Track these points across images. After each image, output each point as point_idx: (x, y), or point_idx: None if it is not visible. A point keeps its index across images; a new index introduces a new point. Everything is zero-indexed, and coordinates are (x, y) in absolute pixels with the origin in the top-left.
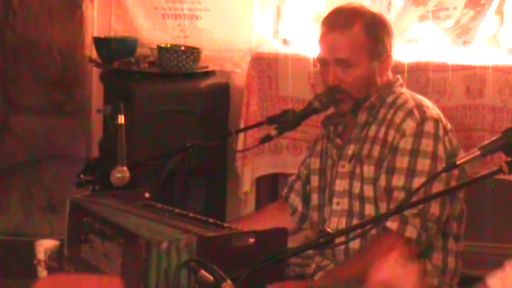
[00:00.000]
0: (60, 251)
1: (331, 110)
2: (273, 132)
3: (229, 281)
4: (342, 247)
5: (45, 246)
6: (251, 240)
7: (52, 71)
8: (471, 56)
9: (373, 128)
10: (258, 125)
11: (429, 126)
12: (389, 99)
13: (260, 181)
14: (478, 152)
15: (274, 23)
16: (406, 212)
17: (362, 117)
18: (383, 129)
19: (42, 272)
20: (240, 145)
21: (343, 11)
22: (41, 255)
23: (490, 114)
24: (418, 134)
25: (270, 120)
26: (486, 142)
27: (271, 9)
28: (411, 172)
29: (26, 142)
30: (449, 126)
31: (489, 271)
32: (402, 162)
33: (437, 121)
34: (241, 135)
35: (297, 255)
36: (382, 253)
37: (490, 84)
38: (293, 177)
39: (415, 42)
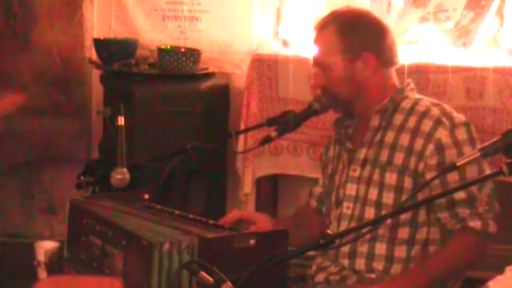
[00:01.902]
0: (60, 252)
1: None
2: (273, 134)
3: (228, 283)
4: (348, 249)
5: (45, 247)
6: (252, 241)
7: (52, 73)
8: (471, 57)
9: (389, 134)
10: (258, 126)
11: (462, 132)
12: (405, 104)
13: (260, 182)
14: (478, 154)
15: (274, 25)
16: (481, 210)
17: (374, 121)
18: (406, 136)
19: (42, 273)
20: (240, 147)
21: (326, 15)
22: (41, 256)
23: (490, 115)
24: (457, 144)
25: (270, 122)
26: (486, 144)
27: (271, 10)
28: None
29: (26, 144)
30: None
31: (491, 273)
32: (455, 176)
33: (467, 124)
34: (241, 137)
35: (298, 257)
36: (469, 251)
37: (490, 86)
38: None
39: (415, 44)
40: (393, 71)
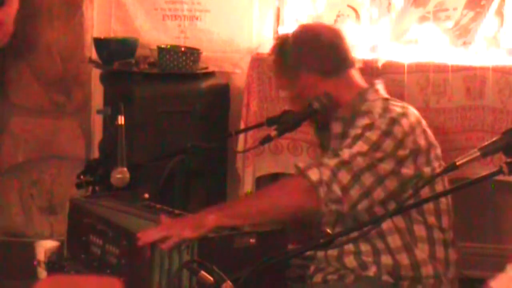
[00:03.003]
0: (60, 252)
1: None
2: (273, 133)
3: (229, 282)
4: (335, 252)
5: (45, 247)
6: (252, 241)
7: (52, 72)
8: (471, 57)
9: None
10: (258, 126)
11: (382, 121)
12: (364, 107)
13: (260, 182)
14: (478, 153)
15: (274, 24)
16: (328, 160)
17: (336, 128)
18: None
19: (42, 273)
20: (240, 146)
21: None
22: (41, 256)
23: (490, 115)
24: (369, 127)
25: (270, 121)
26: (486, 143)
27: (271, 9)
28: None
29: (26, 143)
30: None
31: (490, 272)
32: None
33: (395, 121)
34: (241, 136)
35: (298, 256)
36: (291, 193)
37: (490, 85)
38: None
39: (415, 43)
40: (351, 75)
